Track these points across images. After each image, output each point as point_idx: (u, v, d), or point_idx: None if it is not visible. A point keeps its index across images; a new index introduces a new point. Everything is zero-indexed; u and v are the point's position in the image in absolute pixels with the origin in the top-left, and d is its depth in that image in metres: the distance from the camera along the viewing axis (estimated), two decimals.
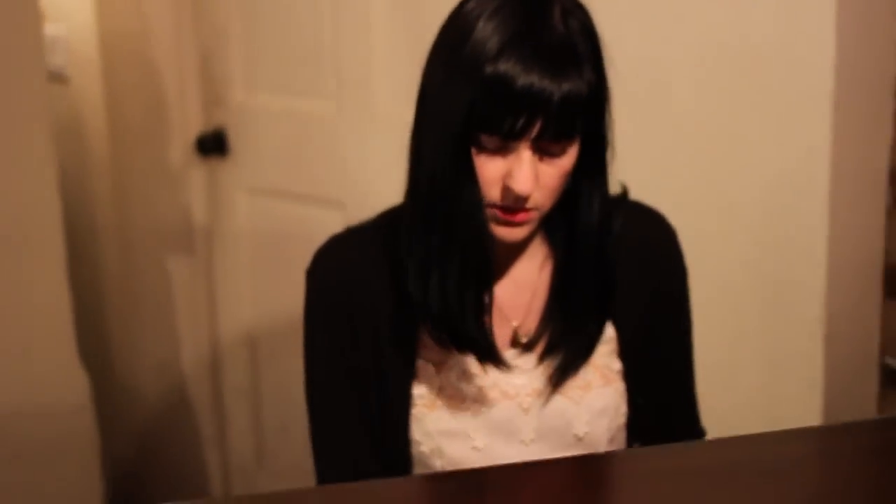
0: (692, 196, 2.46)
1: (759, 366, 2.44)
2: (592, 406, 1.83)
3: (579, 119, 1.63)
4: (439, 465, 1.82)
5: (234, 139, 3.27)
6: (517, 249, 1.82)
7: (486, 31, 1.61)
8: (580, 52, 1.62)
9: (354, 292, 1.82)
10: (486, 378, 1.81)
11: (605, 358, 1.85)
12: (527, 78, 1.58)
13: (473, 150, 1.64)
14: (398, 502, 1.62)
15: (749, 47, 2.35)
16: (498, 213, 1.68)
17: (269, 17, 3.16)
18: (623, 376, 1.87)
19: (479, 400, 1.81)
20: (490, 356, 1.76)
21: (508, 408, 1.82)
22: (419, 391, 1.82)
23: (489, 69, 1.59)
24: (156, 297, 3.65)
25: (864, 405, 2.48)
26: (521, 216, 1.68)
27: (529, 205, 1.67)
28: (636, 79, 2.46)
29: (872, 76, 2.37)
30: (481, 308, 1.73)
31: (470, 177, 1.65)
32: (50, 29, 3.58)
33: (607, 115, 1.71)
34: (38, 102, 3.14)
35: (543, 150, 1.64)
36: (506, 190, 1.65)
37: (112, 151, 3.59)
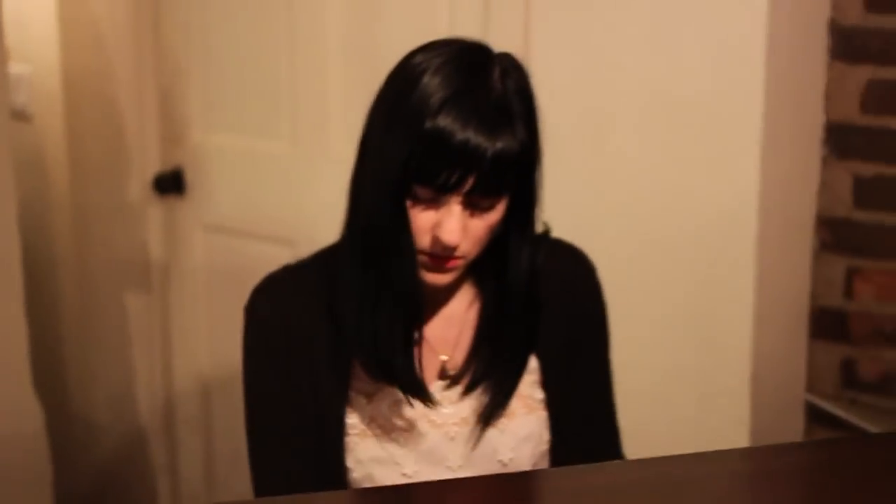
0: (628, 236, 2.56)
1: (689, 400, 2.53)
2: (517, 433, 1.91)
3: (510, 176, 1.72)
4: None
5: (192, 178, 3.35)
6: (447, 288, 1.90)
7: (430, 87, 1.69)
8: (515, 111, 1.72)
9: (289, 327, 1.88)
10: (415, 408, 1.88)
11: (529, 388, 1.93)
12: (463, 134, 1.67)
13: (408, 200, 1.73)
14: None
15: (683, 96, 2.46)
16: (427, 259, 1.77)
17: (228, 58, 3.25)
18: (545, 405, 1.94)
19: (408, 429, 1.89)
20: (416, 390, 1.84)
21: (436, 436, 1.89)
22: (352, 420, 1.89)
23: (429, 123, 1.67)
24: (112, 330, 3.71)
25: (790, 441, 2.57)
26: (449, 263, 1.77)
27: (457, 254, 1.76)
28: (578, 124, 2.57)
29: (801, 124, 2.48)
30: (410, 344, 1.82)
31: (404, 224, 1.74)
32: (14, 67, 3.65)
33: (537, 173, 1.80)
34: (0, 139, 3.22)
35: (473, 204, 1.73)
36: (435, 239, 1.74)
37: (72, 187, 3.66)
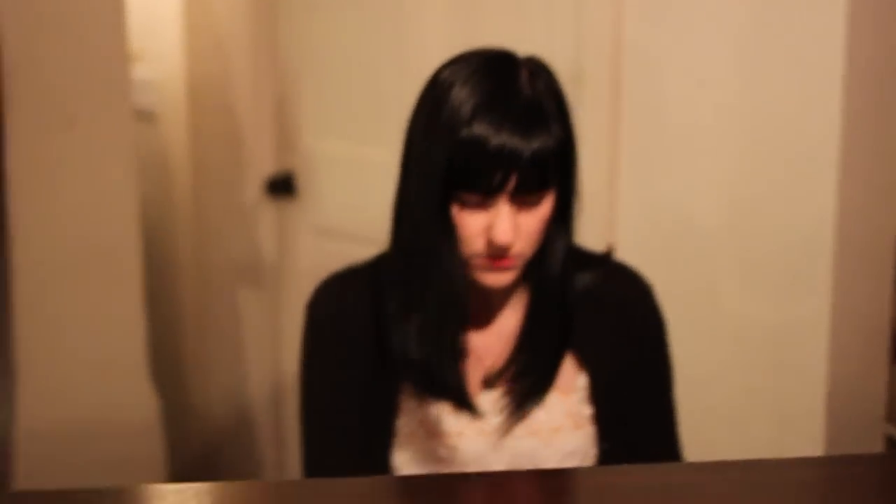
0: (706, 255, 2.59)
1: (764, 421, 2.55)
2: (562, 448, 1.97)
3: (552, 170, 1.80)
4: None
5: (303, 181, 3.46)
6: (500, 297, 1.97)
7: (461, 97, 1.79)
8: (547, 110, 1.80)
9: (346, 326, 1.98)
10: (463, 415, 1.95)
11: (577, 405, 1.98)
12: (498, 138, 1.75)
13: (456, 207, 1.81)
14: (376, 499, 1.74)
15: (763, 115, 2.48)
16: (483, 262, 1.84)
17: (339, 66, 3.35)
18: (593, 421, 1.99)
19: (455, 436, 1.95)
20: (462, 402, 1.92)
21: (482, 444, 1.95)
22: (401, 422, 1.97)
23: (464, 132, 1.76)
24: (227, 327, 3.84)
25: None
26: (505, 262, 1.83)
27: (512, 252, 1.82)
28: (662, 138, 2.62)
29: (882, 149, 2.48)
30: (456, 355, 1.90)
31: (449, 233, 1.81)
32: (142, 71, 3.81)
33: (574, 167, 1.88)
34: (124, 139, 3.36)
35: (522, 201, 1.80)
36: (489, 241, 1.81)
37: (194, 188, 3.80)
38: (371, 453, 1.97)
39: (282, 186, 3.51)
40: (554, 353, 1.96)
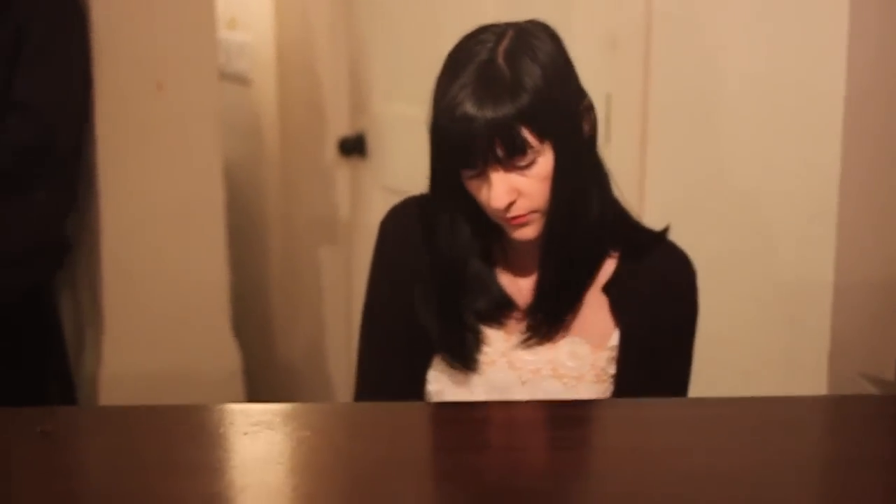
0: (732, 218, 2.66)
1: (770, 376, 2.61)
2: (580, 395, 2.07)
3: (532, 133, 1.89)
4: None
5: (373, 142, 3.60)
6: (535, 248, 2.06)
7: (438, 82, 1.97)
8: (519, 78, 1.90)
9: (408, 246, 2.12)
10: (500, 347, 2.08)
11: (605, 361, 2.08)
12: (459, 111, 1.88)
13: (466, 181, 1.95)
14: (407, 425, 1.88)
15: (772, 81, 2.54)
16: (504, 221, 1.97)
17: (407, 32, 3.47)
18: (614, 380, 2.09)
19: (488, 363, 2.08)
20: (461, 362, 2.07)
21: (510, 377, 2.08)
22: None
23: (435, 113, 1.94)
24: (308, 281, 4.00)
25: None
26: (520, 219, 1.96)
27: (519, 212, 1.95)
28: (685, 105, 2.69)
29: (888, 103, 2.50)
30: (461, 327, 2.07)
31: (459, 197, 1.99)
32: (238, 36, 3.99)
33: (569, 123, 1.96)
34: (210, 102, 3.54)
35: (512, 166, 1.92)
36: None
37: (282, 148, 3.97)
38: (413, 368, 2.12)
39: (354, 147, 3.65)
40: (563, 295, 2.06)
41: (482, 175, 1.92)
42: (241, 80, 4.06)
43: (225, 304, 3.64)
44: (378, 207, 3.59)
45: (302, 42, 3.84)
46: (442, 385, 2.10)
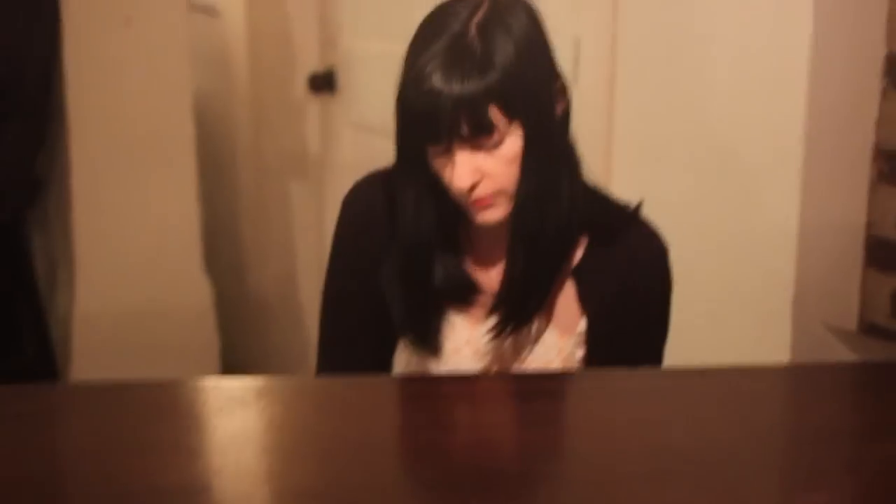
0: (694, 167, 2.68)
1: (735, 320, 2.65)
2: None
3: (496, 114, 1.83)
4: None
5: (343, 78, 3.59)
6: (500, 233, 2.00)
7: (408, 54, 1.88)
8: (487, 54, 1.82)
9: (373, 224, 2.04)
10: (464, 334, 2.04)
11: (572, 346, 2.04)
12: (426, 85, 1.81)
13: (432, 157, 1.88)
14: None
15: (737, 27, 2.55)
16: (469, 202, 1.90)
17: None
18: (582, 363, 2.05)
19: (453, 350, 2.04)
20: (422, 343, 2.03)
21: (475, 364, 2.04)
22: None
23: (409, 90, 1.85)
24: (279, 215, 4.01)
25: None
26: (484, 201, 1.89)
27: (484, 193, 1.88)
28: (661, 58, 2.71)
29: (858, 56, 2.51)
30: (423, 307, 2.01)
31: (427, 173, 1.91)
32: None
33: (540, 103, 1.89)
34: (178, 37, 3.52)
35: (478, 145, 1.85)
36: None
37: (251, 82, 3.96)
38: (377, 348, 2.08)
39: (324, 83, 3.64)
40: (532, 286, 2.00)
41: (447, 153, 1.85)
42: (209, 11, 4.03)
43: (196, 240, 3.65)
44: (348, 143, 3.61)
45: None
46: (407, 368, 2.07)
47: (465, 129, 1.82)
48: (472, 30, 1.84)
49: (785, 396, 1.91)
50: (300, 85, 3.74)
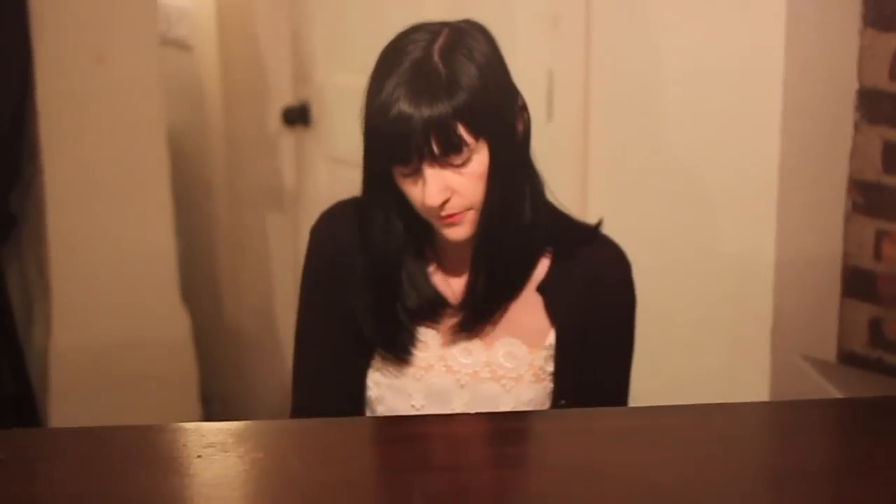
0: (672, 194, 2.70)
1: (714, 350, 2.66)
2: (520, 397, 2.08)
3: (466, 131, 1.88)
4: (380, 411, 2.11)
5: (317, 112, 3.61)
6: (467, 249, 2.05)
7: (372, 79, 1.94)
8: (455, 77, 1.89)
9: (341, 252, 2.09)
10: (436, 351, 2.08)
11: (542, 360, 2.08)
12: (394, 109, 1.86)
13: (399, 178, 1.93)
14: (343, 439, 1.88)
15: (712, 61, 2.57)
16: (437, 220, 1.96)
17: (348, 4, 3.47)
18: (553, 378, 2.09)
19: (425, 368, 2.08)
20: (393, 353, 2.07)
21: (448, 380, 2.08)
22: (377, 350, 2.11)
23: (376, 117, 1.90)
24: (255, 247, 4.02)
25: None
26: (454, 218, 1.95)
27: (454, 210, 1.94)
28: (627, 84, 2.72)
29: (831, 90, 2.54)
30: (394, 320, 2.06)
31: (390, 200, 1.98)
32: (177, 2, 3.97)
33: (505, 123, 1.96)
34: (151, 71, 3.53)
35: (446, 163, 1.90)
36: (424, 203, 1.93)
37: (225, 116, 3.97)
38: (349, 374, 2.11)
39: (298, 117, 3.66)
40: (493, 292, 2.06)
41: (416, 173, 1.91)
42: (181, 46, 4.04)
43: (173, 272, 3.65)
44: (323, 177, 3.62)
45: (243, 8, 3.83)
46: (381, 391, 2.10)
47: (435, 148, 1.87)
48: (436, 55, 1.90)
49: (763, 434, 1.91)
50: (274, 118, 3.76)
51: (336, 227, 2.12)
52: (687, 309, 2.71)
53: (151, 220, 3.58)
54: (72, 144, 3.46)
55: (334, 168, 3.60)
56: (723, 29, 2.56)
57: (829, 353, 2.67)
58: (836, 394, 2.47)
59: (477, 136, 1.90)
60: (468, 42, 1.94)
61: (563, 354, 2.08)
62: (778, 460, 1.78)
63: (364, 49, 3.40)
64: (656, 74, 2.71)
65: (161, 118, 3.54)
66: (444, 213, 1.93)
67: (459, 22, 1.98)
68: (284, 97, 3.71)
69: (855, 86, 2.58)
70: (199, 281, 4.07)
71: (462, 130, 1.88)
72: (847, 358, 2.67)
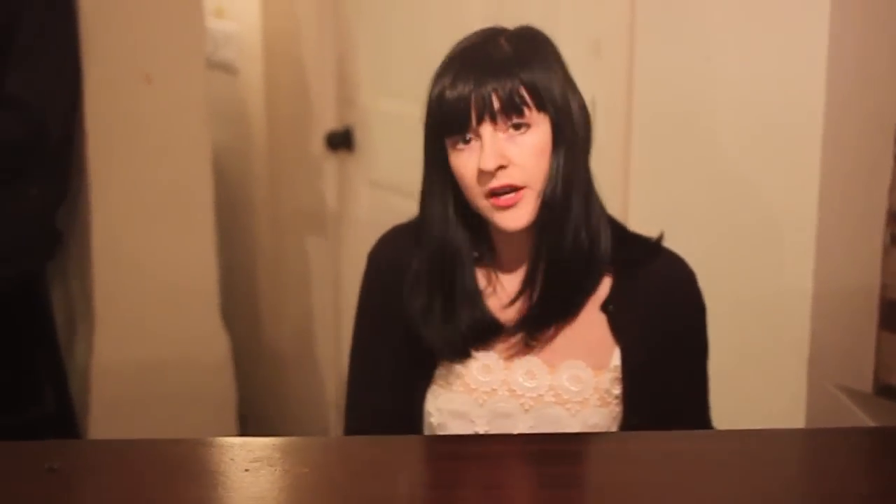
0: (702, 223, 2.71)
1: (752, 380, 2.67)
2: (586, 421, 2.06)
3: (525, 96, 1.90)
4: None
5: (360, 137, 3.64)
6: (524, 242, 2.04)
7: (442, 67, 1.96)
8: (517, 61, 1.92)
9: (401, 277, 2.08)
10: (500, 374, 2.07)
11: (608, 383, 2.06)
12: (461, 80, 1.90)
13: (452, 156, 1.94)
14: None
15: (751, 90, 2.59)
16: (492, 203, 1.94)
17: (395, 29, 3.51)
18: (620, 401, 2.08)
19: (489, 392, 2.07)
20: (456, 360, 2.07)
21: (513, 405, 2.07)
22: (440, 372, 2.10)
23: (441, 92, 1.93)
24: (296, 270, 4.05)
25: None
26: (510, 199, 1.93)
27: (512, 182, 1.92)
28: (672, 108, 2.75)
29: (871, 122, 2.55)
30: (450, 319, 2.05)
31: (445, 178, 1.99)
32: (225, 25, 4.01)
33: (565, 106, 1.96)
34: (197, 93, 3.57)
35: (506, 124, 1.91)
36: (480, 173, 1.92)
37: (269, 139, 4.01)
38: (406, 398, 2.11)
39: (342, 141, 3.70)
40: (558, 292, 2.04)
41: (475, 139, 1.91)
42: (227, 68, 4.09)
43: (214, 293, 3.68)
44: (365, 201, 3.65)
45: (289, 32, 3.88)
46: (443, 418, 2.08)
47: (496, 103, 1.89)
48: (502, 40, 1.96)
49: (800, 461, 1.92)
50: (318, 142, 3.79)
51: (394, 248, 2.14)
52: (725, 338, 2.71)
53: (194, 241, 3.62)
54: (118, 164, 3.50)
55: (376, 193, 3.63)
56: (764, 62, 2.58)
57: (866, 384, 2.67)
58: (871, 424, 2.48)
59: (539, 107, 1.92)
60: (531, 33, 2.00)
61: (631, 375, 2.06)
62: (814, 486, 1.79)
63: (408, 74, 3.49)
64: (697, 105, 2.73)
65: (206, 139, 3.58)
66: (497, 184, 1.91)
67: (521, 26, 2.02)
68: (328, 121, 3.75)
69: (895, 118, 2.59)
70: (239, 302, 4.11)
71: (525, 93, 1.90)
72: (883, 390, 2.68)
